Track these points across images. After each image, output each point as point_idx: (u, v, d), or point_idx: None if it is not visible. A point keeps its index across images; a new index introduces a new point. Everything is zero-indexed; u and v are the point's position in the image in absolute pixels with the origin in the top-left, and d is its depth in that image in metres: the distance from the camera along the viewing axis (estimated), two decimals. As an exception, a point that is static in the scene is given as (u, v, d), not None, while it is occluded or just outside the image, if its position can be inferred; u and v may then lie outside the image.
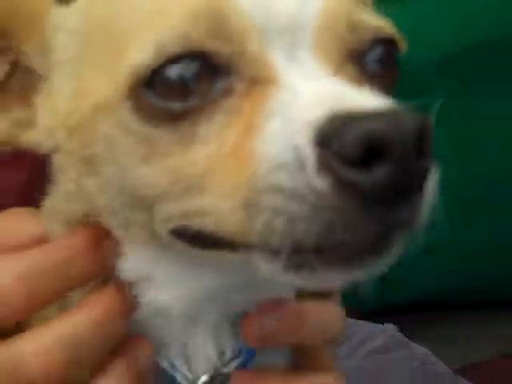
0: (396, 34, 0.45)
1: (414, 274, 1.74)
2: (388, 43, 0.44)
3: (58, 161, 0.47)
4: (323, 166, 0.35)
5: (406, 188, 0.36)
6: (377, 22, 0.43)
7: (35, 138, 0.46)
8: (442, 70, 1.43)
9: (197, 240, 0.42)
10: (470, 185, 1.49)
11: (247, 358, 0.50)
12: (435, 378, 1.06)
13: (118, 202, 0.44)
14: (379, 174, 0.34)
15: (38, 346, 0.45)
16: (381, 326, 1.21)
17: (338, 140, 0.34)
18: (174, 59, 0.39)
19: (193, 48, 0.39)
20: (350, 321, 1.22)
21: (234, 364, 0.50)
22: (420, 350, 1.15)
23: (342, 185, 0.35)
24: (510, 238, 1.64)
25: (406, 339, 1.17)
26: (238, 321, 0.49)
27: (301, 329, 0.49)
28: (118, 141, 0.42)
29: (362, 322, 1.22)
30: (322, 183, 0.35)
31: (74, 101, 0.43)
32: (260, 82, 0.40)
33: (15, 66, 0.47)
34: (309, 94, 0.37)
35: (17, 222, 0.49)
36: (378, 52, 0.44)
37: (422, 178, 0.37)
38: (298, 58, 0.40)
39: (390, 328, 1.20)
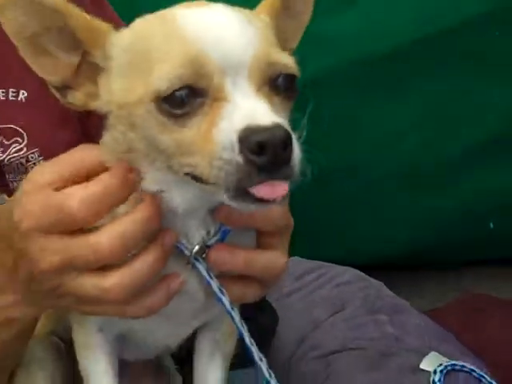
0: (294, 69, 0.75)
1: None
2: (290, 74, 0.75)
3: (110, 120, 0.79)
4: (241, 151, 0.68)
5: (277, 163, 0.69)
6: (285, 61, 0.74)
7: (98, 105, 0.79)
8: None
9: (193, 177, 0.75)
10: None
11: (223, 235, 0.83)
12: (387, 301, 1.38)
13: (149, 149, 0.76)
14: (263, 157, 0.68)
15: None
16: (348, 267, 1.54)
17: (247, 141, 0.68)
18: (177, 89, 0.71)
19: (185, 83, 0.71)
20: (325, 263, 1.55)
21: (214, 239, 0.82)
22: (376, 282, 1.47)
23: (248, 160, 0.68)
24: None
25: (365, 275, 1.50)
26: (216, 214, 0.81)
27: (252, 217, 0.81)
28: (147, 119, 0.74)
29: (334, 264, 1.55)
30: (240, 159, 0.68)
31: (123, 89, 0.75)
32: (219, 99, 0.71)
33: (84, 58, 0.78)
34: (243, 107, 0.70)
35: (89, 152, 0.81)
36: (283, 78, 0.74)
37: (286, 158, 0.69)
38: (239, 85, 0.71)
39: (354, 270, 1.52)
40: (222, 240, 0.82)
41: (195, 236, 0.82)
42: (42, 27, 0.75)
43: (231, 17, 0.73)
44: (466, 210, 1.98)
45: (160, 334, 0.92)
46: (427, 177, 1.92)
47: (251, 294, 0.86)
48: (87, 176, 0.78)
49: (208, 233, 0.82)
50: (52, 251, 0.76)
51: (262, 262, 0.84)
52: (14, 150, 1.10)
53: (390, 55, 1.74)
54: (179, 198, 0.79)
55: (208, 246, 0.81)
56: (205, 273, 0.81)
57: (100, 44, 0.76)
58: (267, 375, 0.87)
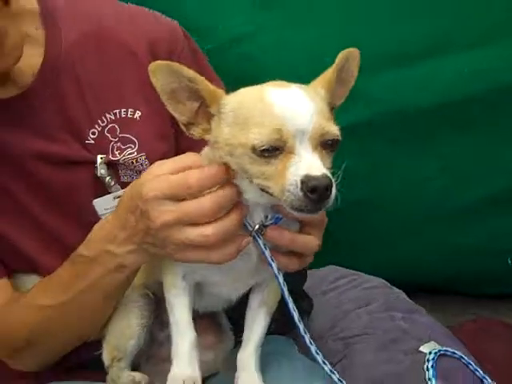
0: (338, 136, 1.12)
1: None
2: (335, 139, 1.11)
3: (214, 145, 1.15)
4: (301, 189, 1.05)
5: (321, 199, 1.05)
6: (333, 131, 1.11)
7: (208, 137, 1.16)
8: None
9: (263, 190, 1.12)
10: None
11: (277, 220, 1.18)
12: (403, 303, 1.69)
13: (238, 169, 1.11)
14: (314, 195, 1.04)
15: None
16: (376, 277, 1.85)
17: (306, 184, 1.05)
18: (265, 147, 1.07)
19: (271, 144, 1.07)
20: (357, 272, 1.87)
21: (270, 222, 1.18)
22: (397, 290, 1.78)
23: (305, 195, 1.05)
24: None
25: (389, 284, 1.81)
26: (274, 207, 1.17)
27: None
28: (243, 155, 1.09)
29: (364, 274, 1.87)
30: (300, 193, 1.05)
31: (229, 134, 1.11)
32: (290, 152, 1.07)
33: (202, 107, 1.15)
34: (305, 160, 1.07)
35: (194, 157, 1.18)
36: (331, 141, 1.11)
37: (328, 196, 1.05)
38: (303, 144, 1.07)
39: (380, 279, 1.84)
40: (275, 224, 1.18)
41: (257, 219, 1.18)
42: (179, 86, 1.13)
43: (301, 97, 1.10)
44: (483, 248, 2.27)
45: (226, 286, 1.27)
46: (448, 217, 2.23)
47: (292, 264, 1.21)
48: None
49: (266, 217, 1.18)
50: (167, 211, 1.13)
51: (302, 242, 1.19)
52: (128, 153, 1.48)
53: (423, 112, 2.05)
54: (252, 194, 1.16)
55: (265, 226, 1.18)
56: (261, 244, 1.17)
57: (215, 101, 1.14)
58: (302, 332, 1.20)
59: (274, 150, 1.07)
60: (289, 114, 1.07)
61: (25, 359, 1.45)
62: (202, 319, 1.40)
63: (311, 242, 1.21)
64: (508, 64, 1.99)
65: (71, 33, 1.47)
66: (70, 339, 1.41)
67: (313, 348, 1.20)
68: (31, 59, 1.43)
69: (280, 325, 1.38)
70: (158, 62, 1.13)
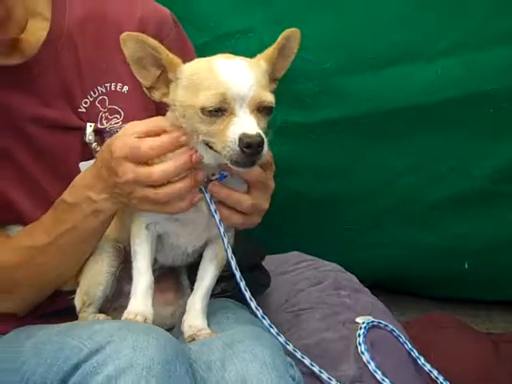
0: (273, 103, 1.30)
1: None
2: (270, 106, 1.31)
3: (172, 108, 1.35)
4: (238, 145, 1.25)
5: (254, 153, 1.26)
6: (268, 99, 1.30)
7: (167, 100, 1.35)
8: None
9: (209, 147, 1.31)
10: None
11: (221, 177, 1.37)
12: (352, 284, 1.86)
13: (189, 129, 1.31)
14: (249, 150, 1.25)
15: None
16: (334, 263, 2.02)
17: (242, 141, 1.25)
18: (212, 108, 1.27)
19: (216, 106, 1.26)
20: (319, 259, 2.04)
21: (215, 177, 1.37)
22: (350, 274, 1.95)
23: (242, 150, 1.25)
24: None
25: (344, 269, 1.98)
26: (221, 166, 1.36)
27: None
28: (193, 116, 1.30)
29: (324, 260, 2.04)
30: (238, 149, 1.25)
31: (183, 97, 1.31)
32: (232, 113, 1.27)
33: (163, 73, 1.35)
34: (242, 121, 1.27)
35: (160, 121, 1.37)
36: (266, 107, 1.30)
37: (260, 151, 1.25)
38: (243, 108, 1.27)
39: (338, 265, 2.00)
40: (220, 180, 1.38)
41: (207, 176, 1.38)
42: (144, 54, 1.32)
43: (243, 67, 1.29)
44: (445, 249, 2.42)
45: (183, 238, 1.45)
46: (414, 215, 2.38)
47: (235, 219, 1.41)
48: (157, 133, 1.35)
49: (213, 174, 1.38)
50: (129, 171, 1.34)
51: (236, 198, 1.39)
52: (114, 122, 1.64)
53: (395, 112, 2.20)
54: (204, 155, 1.35)
55: (211, 181, 1.38)
56: (207, 197, 1.37)
57: (174, 68, 1.34)
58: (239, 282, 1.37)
59: (219, 111, 1.27)
60: (232, 82, 1.27)
61: (7, 300, 1.61)
62: (165, 278, 1.57)
63: (246, 200, 1.40)
64: (477, 71, 2.14)
65: (75, 11, 1.64)
66: (50, 281, 1.57)
67: (247, 295, 1.38)
68: (38, 32, 1.60)
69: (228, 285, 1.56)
70: (128, 32, 1.33)
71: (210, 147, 1.31)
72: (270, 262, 1.94)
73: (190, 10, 2.16)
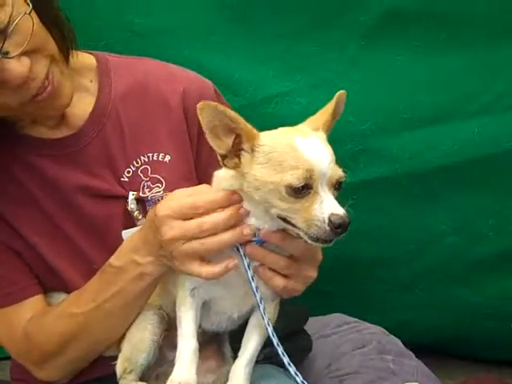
0: (344, 178, 1.34)
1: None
2: (343, 180, 1.33)
3: (239, 177, 1.35)
4: (328, 225, 1.28)
5: (344, 232, 1.28)
6: (341, 174, 1.33)
7: (239, 170, 1.33)
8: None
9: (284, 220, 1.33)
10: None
11: (259, 242, 1.37)
12: (395, 348, 1.83)
13: (262, 201, 1.33)
14: (339, 230, 1.28)
15: None
16: (377, 326, 1.99)
17: (333, 221, 1.28)
18: (299, 186, 1.29)
19: (303, 184, 1.28)
20: (361, 321, 2.01)
21: (254, 240, 1.37)
22: (394, 337, 1.92)
23: (331, 230, 1.28)
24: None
25: (388, 332, 1.95)
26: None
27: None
28: (273, 192, 1.31)
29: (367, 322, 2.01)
30: (327, 228, 1.27)
31: (261, 172, 1.31)
32: (315, 192, 1.30)
33: (236, 142, 1.34)
34: (327, 200, 1.30)
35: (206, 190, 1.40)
36: (339, 182, 1.33)
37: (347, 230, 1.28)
38: (323, 185, 1.30)
39: (380, 328, 1.98)
40: (259, 243, 1.39)
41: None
42: (219, 123, 1.32)
43: (320, 145, 1.33)
44: (490, 309, 2.37)
45: (228, 303, 1.46)
46: (460, 274, 2.35)
47: (277, 281, 1.41)
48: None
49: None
50: (175, 228, 1.36)
51: (272, 259, 1.39)
52: (155, 191, 1.68)
53: (434, 171, 2.23)
54: (255, 219, 1.38)
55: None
56: (243, 258, 1.37)
57: (250, 140, 1.34)
58: (281, 356, 1.36)
59: (304, 189, 1.29)
60: (315, 160, 1.30)
61: (51, 369, 1.63)
62: (207, 346, 1.57)
63: (284, 261, 1.40)
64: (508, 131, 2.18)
65: (119, 85, 1.72)
66: (95, 346, 1.59)
67: (285, 360, 1.36)
68: (85, 106, 1.68)
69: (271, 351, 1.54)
70: (206, 101, 1.34)
71: (287, 221, 1.32)
72: (312, 324, 1.92)
73: (229, 76, 2.21)
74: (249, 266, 1.38)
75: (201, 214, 1.36)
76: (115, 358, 1.56)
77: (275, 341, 1.36)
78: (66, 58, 1.59)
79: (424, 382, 1.64)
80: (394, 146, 2.20)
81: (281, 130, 1.38)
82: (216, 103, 1.33)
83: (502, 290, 2.35)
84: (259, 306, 1.38)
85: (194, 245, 1.36)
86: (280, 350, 1.36)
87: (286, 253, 1.41)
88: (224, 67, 2.24)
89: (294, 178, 1.28)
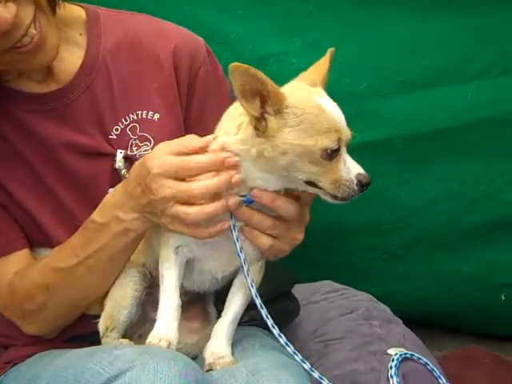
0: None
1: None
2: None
3: (262, 140, 1.31)
4: (356, 184, 1.29)
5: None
6: (351, 133, 1.33)
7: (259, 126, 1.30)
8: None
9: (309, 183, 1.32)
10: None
11: (248, 202, 1.35)
12: (383, 314, 1.81)
13: (287, 165, 1.31)
14: (364, 187, 1.29)
15: None
16: (365, 292, 1.98)
17: (360, 180, 1.30)
18: (334, 148, 1.29)
19: (337, 146, 1.29)
20: (350, 288, 2.00)
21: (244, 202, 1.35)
22: (383, 305, 1.90)
23: (359, 188, 1.29)
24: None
25: (375, 299, 1.93)
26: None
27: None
28: (303, 155, 1.29)
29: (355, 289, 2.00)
30: (356, 187, 1.29)
31: (292, 135, 1.29)
32: (340, 153, 1.31)
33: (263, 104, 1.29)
34: (350, 161, 1.33)
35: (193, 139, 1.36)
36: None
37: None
38: (344, 147, 1.31)
39: (369, 294, 1.96)
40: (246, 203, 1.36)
41: None
42: (250, 86, 1.28)
43: (337, 107, 1.34)
44: (481, 279, 2.36)
45: (213, 263, 1.43)
46: (451, 242, 2.33)
47: (264, 240, 1.38)
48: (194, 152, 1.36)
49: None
50: (166, 187, 1.32)
51: (271, 222, 1.36)
52: (143, 149, 1.65)
53: (428, 135, 2.20)
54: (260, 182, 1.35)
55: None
56: (231, 223, 1.34)
57: (279, 103, 1.30)
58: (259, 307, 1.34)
59: (336, 151, 1.31)
60: (341, 122, 1.33)
61: (35, 322, 1.61)
62: (191, 306, 1.55)
63: (270, 222, 1.37)
64: (506, 94, 2.17)
65: (109, 40, 1.67)
66: (77, 303, 1.58)
67: (269, 322, 1.34)
68: (73, 60, 1.64)
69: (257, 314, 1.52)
70: (237, 63, 1.29)
71: (312, 184, 1.32)
72: (301, 291, 1.91)
73: (226, 37, 2.18)
74: (234, 227, 1.35)
75: (194, 175, 1.34)
76: (99, 316, 1.54)
77: (258, 302, 1.34)
78: (53, 9, 1.55)
79: (410, 349, 1.62)
80: (388, 109, 2.18)
81: (297, 88, 1.36)
82: (247, 66, 1.29)
83: (494, 260, 2.33)
84: (243, 268, 1.36)
85: (180, 212, 1.34)
86: (264, 312, 1.34)
87: (274, 214, 1.38)
88: (222, 25, 2.21)
89: (330, 140, 1.28)
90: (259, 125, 1.30)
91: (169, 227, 1.38)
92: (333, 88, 1.41)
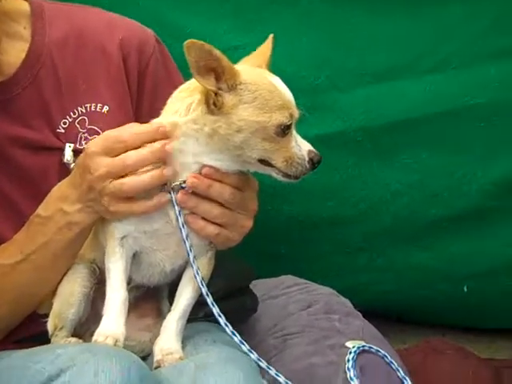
0: None
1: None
2: None
3: (207, 116, 1.30)
4: (308, 162, 1.29)
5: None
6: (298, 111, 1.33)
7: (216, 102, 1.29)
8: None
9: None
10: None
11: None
12: (343, 308, 1.78)
13: (241, 143, 1.30)
14: (316, 165, 1.29)
15: None
16: (328, 288, 1.95)
17: (312, 158, 1.30)
18: (288, 124, 1.29)
19: (290, 122, 1.29)
20: (313, 283, 1.96)
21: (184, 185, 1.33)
22: (344, 299, 1.87)
23: (310, 166, 1.28)
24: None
25: (337, 293, 1.90)
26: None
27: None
28: (257, 132, 1.30)
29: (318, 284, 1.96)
30: (307, 164, 1.29)
31: (247, 112, 1.28)
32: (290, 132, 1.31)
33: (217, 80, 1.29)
34: (299, 139, 1.34)
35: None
36: None
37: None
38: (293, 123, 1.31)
39: (331, 289, 1.93)
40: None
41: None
42: (205, 62, 1.28)
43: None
44: (443, 271, 2.35)
45: (160, 255, 1.39)
46: (413, 235, 2.32)
47: (210, 230, 1.35)
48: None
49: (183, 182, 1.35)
50: (103, 165, 1.31)
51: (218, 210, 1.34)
52: None
53: (386, 128, 2.19)
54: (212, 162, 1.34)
55: (182, 188, 1.35)
56: (176, 210, 1.32)
57: (233, 79, 1.30)
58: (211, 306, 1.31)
59: (288, 128, 1.31)
60: (292, 100, 1.34)
61: None
62: (144, 303, 1.51)
63: (216, 209, 1.36)
64: (464, 87, 2.18)
65: (54, 32, 1.63)
66: (24, 301, 1.52)
67: (221, 320, 1.31)
68: (17, 53, 1.59)
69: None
70: (192, 40, 1.28)
71: (265, 163, 1.32)
72: (261, 286, 1.87)
73: (184, 30, 2.15)
74: (180, 213, 1.32)
75: (127, 149, 1.33)
76: (48, 315, 1.49)
77: (210, 300, 1.32)
78: None
79: (369, 341, 1.59)
80: (347, 102, 2.17)
81: (248, 67, 1.36)
82: (203, 42, 1.28)
83: (456, 252, 2.32)
84: (189, 255, 1.32)
85: (118, 184, 1.32)
86: (215, 310, 1.31)
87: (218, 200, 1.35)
88: (178, 20, 2.18)
89: (283, 116, 1.29)
90: (216, 100, 1.30)
91: (110, 210, 1.35)
92: (291, 81, 1.39)
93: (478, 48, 2.16)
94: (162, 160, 1.33)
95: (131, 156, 1.32)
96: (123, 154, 1.32)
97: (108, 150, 1.33)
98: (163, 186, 1.34)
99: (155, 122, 1.38)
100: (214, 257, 1.43)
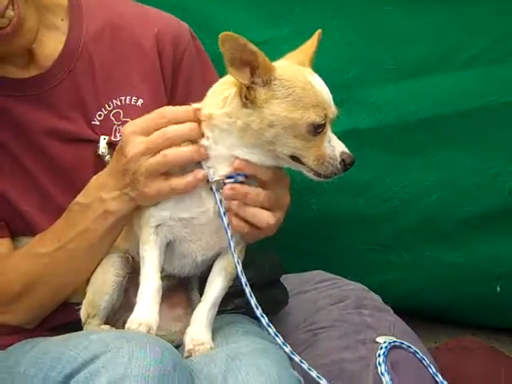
0: None
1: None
2: None
3: (249, 111, 1.30)
4: (340, 162, 1.30)
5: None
6: (337, 112, 1.34)
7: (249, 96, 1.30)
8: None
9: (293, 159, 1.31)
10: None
11: (235, 179, 1.34)
12: (373, 303, 1.77)
13: (273, 138, 1.32)
14: (348, 166, 1.29)
15: None
16: (358, 283, 1.94)
17: (344, 159, 1.31)
18: (320, 123, 1.29)
19: (325, 120, 1.29)
20: (343, 278, 1.96)
21: (229, 180, 1.35)
22: (375, 294, 1.86)
23: (342, 167, 1.29)
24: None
25: (368, 289, 1.90)
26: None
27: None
28: (290, 129, 1.30)
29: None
30: (339, 165, 1.29)
31: (280, 108, 1.29)
32: (326, 130, 1.31)
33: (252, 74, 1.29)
34: (334, 139, 1.34)
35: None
36: None
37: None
38: (328, 125, 1.31)
39: (361, 285, 1.93)
40: (233, 181, 1.36)
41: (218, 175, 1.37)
42: (239, 55, 1.28)
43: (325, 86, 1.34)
44: (476, 270, 2.31)
45: (193, 246, 1.40)
46: (444, 234, 2.29)
47: (243, 227, 1.36)
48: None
49: (228, 178, 1.36)
50: (138, 143, 1.34)
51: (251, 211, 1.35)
52: None
53: (417, 124, 2.17)
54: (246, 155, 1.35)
55: (224, 184, 1.36)
56: (217, 196, 1.33)
57: (268, 74, 1.31)
58: (250, 300, 1.31)
59: (321, 127, 1.30)
60: (329, 99, 1.33)
61: (15, 312, 1.57)
62: (175, 293, 1.52)
63: (260, 194, 1.37)
64: (496, 83, 2.14)
65: (91, 24, 1.64)
66: (59, 290, 1.54)
67: (257, 311, 1.30)
68: (54, 45, 1.61)
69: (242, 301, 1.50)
70: (228, 33, 1.29)
71: (296, 159, 1.32)
72: (292, 280, 1.88)
73: (211, 22, 2.14)
74: (221, 202, 1.33)
75: (166, 125, 1.35)
76: (81, 304, 1.51)
77: (248, 290, 1.31)
78: None
79: (400, 337, 1.58)
80: (378, 97, 2.15)
81: (287, 64, 1.36)
82: (237, 35, 1.29)
83: (488, 251, 2.28)
84: (230, 243, 1.33)
85: (157, 158, 1.34)
86: (253, 301, 1.30)
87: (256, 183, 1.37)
88: (207, 12, 2.18)
89: (316, 115, 1.28)
90: (248, 94, 1.30)
91: (145, 192, 1.36)
92: (321, 75, 1.39)
93: (510, 44, 2.13)
94: (198, 139, 1.35)
95: (171, 129, 1.34)
96: (162, 130, 1.34)
97: (146, 129, 1.36)
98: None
99: (194, 106, 1.39)
100: (244, 251, 1.44)
